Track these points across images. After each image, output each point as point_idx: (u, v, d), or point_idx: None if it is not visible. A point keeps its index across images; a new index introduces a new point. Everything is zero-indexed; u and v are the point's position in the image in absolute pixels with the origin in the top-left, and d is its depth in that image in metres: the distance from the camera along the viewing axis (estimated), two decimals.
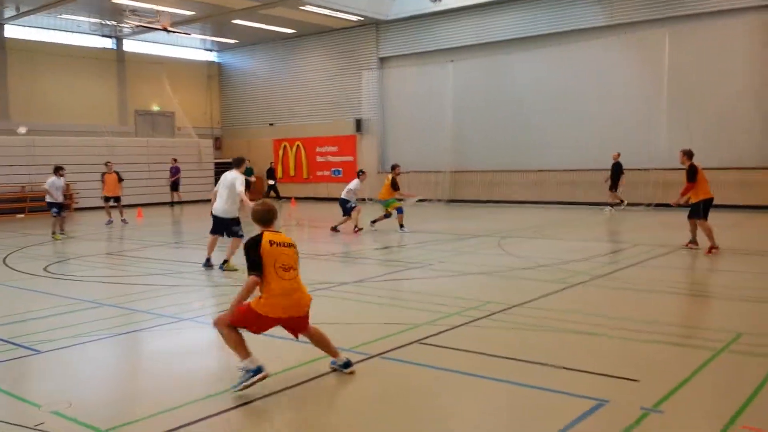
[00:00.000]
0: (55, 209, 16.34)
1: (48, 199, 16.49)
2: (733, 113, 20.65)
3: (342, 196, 16.57)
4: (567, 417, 4.56)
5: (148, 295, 9.34)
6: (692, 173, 11.99)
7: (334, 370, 5.65)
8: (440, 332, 6.87)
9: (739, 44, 20.64)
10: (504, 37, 24.83)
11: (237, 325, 5.32)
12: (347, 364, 5.63)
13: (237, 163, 11.00)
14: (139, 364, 6.57)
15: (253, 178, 28.37)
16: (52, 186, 16.35)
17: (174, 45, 32.12)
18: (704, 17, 21.03)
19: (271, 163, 30.76)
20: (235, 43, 32.20)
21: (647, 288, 9.28)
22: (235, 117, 34.06)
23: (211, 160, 31.76)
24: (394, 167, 17.57)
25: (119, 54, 30.59)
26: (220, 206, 10.80)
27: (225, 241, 11.24)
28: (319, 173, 30.65)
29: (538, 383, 5.30)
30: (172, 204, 28.18)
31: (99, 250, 15.15)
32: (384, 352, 6.22)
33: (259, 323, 5.36)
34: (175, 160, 28.20)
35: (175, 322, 7.65)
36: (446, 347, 6.38)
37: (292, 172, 31.48)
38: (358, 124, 28.80)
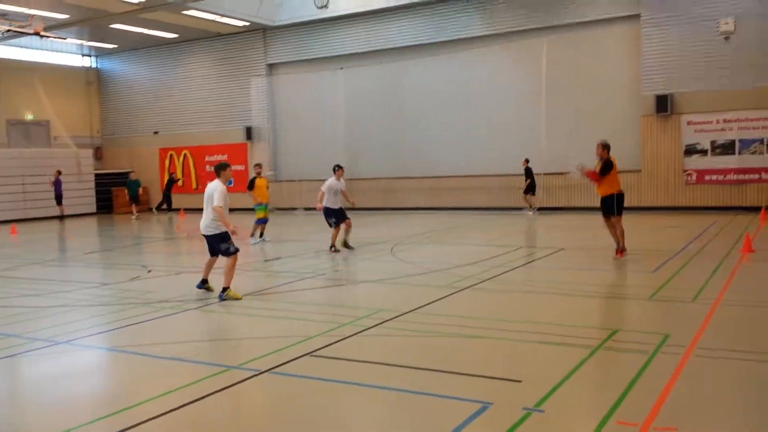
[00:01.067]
0: None
1: None
2: (607, 117, 21.90)
3: (325, 206, 13.82)
4: (454, 421, 4.66)
5: (22, 317, 8.76)
6: (608, 167, 11.46)
7: None
8: (331, 343, 6.86)
9: (611, 51, 21.95)
10: (393, 45, 25.19)
11: None
12: None
13: (218, 171, 9.59)
14: (15, 390, 6.14)
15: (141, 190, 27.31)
16: None
17: (49, 50, 30.35)
18: (579, 27, 22.23)
19: (172, 173, 29.16)
20: (115, 48, 30.84)
21: (530, 289, 9.67)
22: (117, 125, 32.61)
23: (91, 171, 30.22)
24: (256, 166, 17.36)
25: None
26: (203, 222, 9.48)
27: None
28: (208, 183, 29.83)
29: (425, 389, 5.38)
30: (61, 218, 26.51)
31: None
32: (274, 367, 6.13)
33: None
34: (59, 172, 26.63)
35: (51, 346, 7.21)
36: (337, 358, 6.37)
37: (180, 183, 30.51)
38: (249, 132, 28.32)
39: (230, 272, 9.24)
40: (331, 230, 13.88)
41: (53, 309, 9.24)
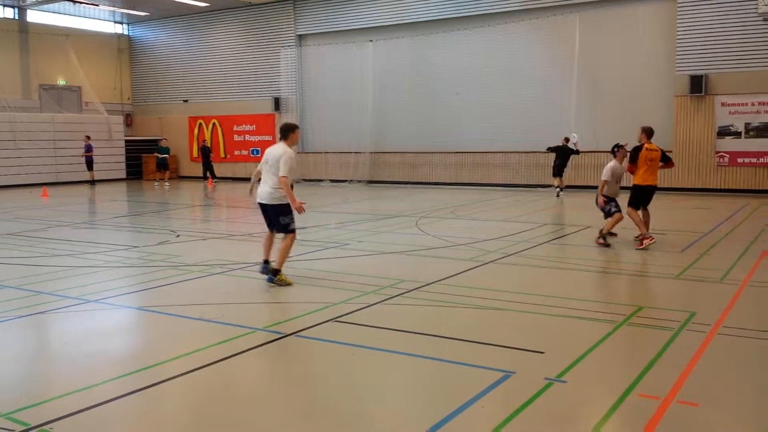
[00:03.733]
0: None
1: None
2: (639, 97, 21.56)
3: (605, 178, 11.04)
4: (475, 388, 4.70)
5: (52, 276, 8.96)
6: (633, 155, 10.80)
7: None
8: (356, 310, 6.92)
9: (644, 29, 21.53)
10: (423, 18, 24.95)
11: None
12: None
13: (284, 133, 8.21)
14: (44, 346, 6.31)
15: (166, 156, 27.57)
16: None
17: (81, 16, 30.58)
18: (612, 3, 21.82)
19: (204, 141, 29.38)
20: (146, 15, 30.96)
21: (555, 265, 9.63)
22: (147, 93, 32.86)
23: (121, 138, 30.58)
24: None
25: (22, 24, 28.88)
26: (265, 190, 8.14)
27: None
28: (236, 152, 30.05)
29: (448, 357, 5.43)
30: (92, 183, 26.85)
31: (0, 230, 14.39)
32: (299, 331, 6.21)
33: None
34: (89, 138, 26.97)
35: (80, 304, 7.38)
36: (362, 324, 6.43)
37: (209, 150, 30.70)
38: (277, 103, 28.36)
39: (286, 253, 8.11)
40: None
41: (83, 269, 9.43)
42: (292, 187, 8.18)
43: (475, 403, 4.49)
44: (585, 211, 14.62)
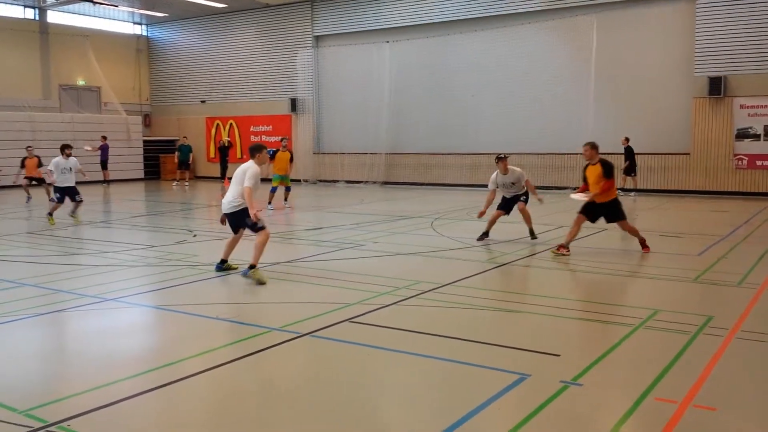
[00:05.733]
0: (56, 194, 14.58)
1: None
2: (657, 99, 21.40)
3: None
4: (491, 390, 4.70)
5: (71, 275, 9.06)
6: (611, 168, 10.19)
7: None
8: (371, 311, 6.94)
9: (663, 30, 21.38)
10: (441, 19, 24.93)
11: None
12: None
13: (252, 152, 9.00)
14: (62, 344, 6.39)
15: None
16: (55, 167, 14.45)
17: (100, 17, 30.88)
18: (630, 4, 21.69)
19: (228, 140, 29.29)
20: (165, 16, 31.20)
21: (571, 268, 9.59)
22: (166, 93, 33.10)
23: (140, 138, 30.84)
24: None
25: (42, 25, 29.21)
26: (226, 199, 8.88)
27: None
28: (243, 164, 30.12)
29: (463, 359, 5.42)
30: (107, 182, 27.06)
31: (19, 228, 14.56)
32: (315, 331, 6.23)
33: None
34: (105, 138, 27.22)
35: (98, 302, 7.45)
36: (377, 325, 6.44)
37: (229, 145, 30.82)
38: (293, 104, 28.47)
39: (260, 250, 8.48)
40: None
41: (101, 268, 9.52)
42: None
43: (490, 405, 4.49)
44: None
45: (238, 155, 30.28)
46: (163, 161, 31.27)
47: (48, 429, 4.14)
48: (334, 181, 27.07)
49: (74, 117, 28.57)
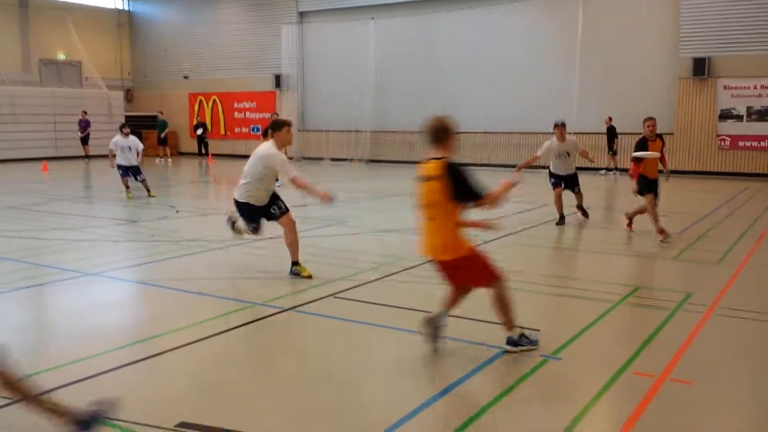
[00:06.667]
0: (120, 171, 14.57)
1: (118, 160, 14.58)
2: (642, 78, 21.45)
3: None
4: (472, 363, 4.74)
5: (53, 249, 8.99)
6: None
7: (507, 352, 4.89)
8: (354, 287, 6.95)
9: (649, 11, 21.37)
10: None
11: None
12: (514, 342, 4.88)
13: (271, 131, 7.37)
14: (43, 317, 6.36)
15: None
16: (115, 146, 14.53)
17: None
18: None
19: (198, 120, 29.28)
20: None
21: (554, 245, 9.66)
22: (148, 68, 32.66)
23: (121, 113, 30.44)
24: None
25: None
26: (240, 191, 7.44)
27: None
28: (237, 130, 29.97)
29: (447, 333, 5.45)
30: (87, 158, 26.70)
31: (2, 203, 14.40)
32: (298, 306, 6.24)
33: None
34: (85, 113, 26.86)
35: (80, 277, 7.41)
36: (360, 301, 6.46)
37: (209, 128, 30.62)
38: (278, 80, 28.22)
39: (292, 238, 7.39)
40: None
41: (84, 243, 9.46)
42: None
43: (470, 377, 4.53)
44: (585, 191, 14.55)
45: (222, 132, 30.08)
46: (146, 137, 30.87)
47: None
48: (319, 159, 26.95)
49: (55, 92, 28.16)
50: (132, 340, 5.35)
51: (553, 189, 11.25)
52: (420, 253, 5.08)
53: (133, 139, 14.72)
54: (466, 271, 4.87)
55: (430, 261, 5.08)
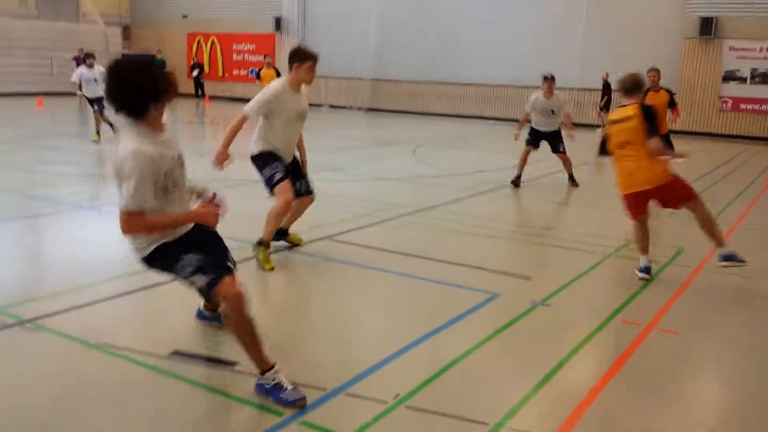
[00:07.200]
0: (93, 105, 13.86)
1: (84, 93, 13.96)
2: (647, 36, 21.17)
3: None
4: (463, 306, 4.81)
5: (48, 183, 8.96)
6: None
7: (724, 267, 5.66)
8: (350, 230, 6.99)
9: None
10: None
11: (627, 212, 5.86)
12: (729, 257, 5.62)
13: (289, 61, 5.73)
14: (37, 248, 6.38)
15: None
16: (81, 78, 13.76)
17: None
18: None
19: (195, 57, 28.90)
20: None
21: (549, 198, 9.68)
22: (146, 6, 32.00)
23: (119, 51, 29.97)
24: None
25: None
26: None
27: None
28: (235, 72, 29.58)
29: (439, 278, 5.52)
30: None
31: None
32: (293, 246, 6.27)
33: (629, 204, 5.80)
34: (82, 50, 26.39)
35: (73, 210, 7.42)
36: (355, 244, 6.50)
37: (207, 69, 30.21)
38: (278, 23, 27.74)
39: (274, 220, 5.73)
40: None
41: (78, 177, 9.43)
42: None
43: (461, 320, 4.60)
44: (585, 147, 14.50)
45: (220, 73, 29.70)
46: None
47: (23, 325, 4.19)
48: (318, 105, 26.70)
49: (52, 26, 27.66)
50: (126, 271, 5.37)
51: (525, 145, 10.46)
52: (634, 189, 5.65)
53: (99, 70, 13.83)
54: (680, 187, 5.74)
55: (644, 191, 5.62)
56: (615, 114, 5.75)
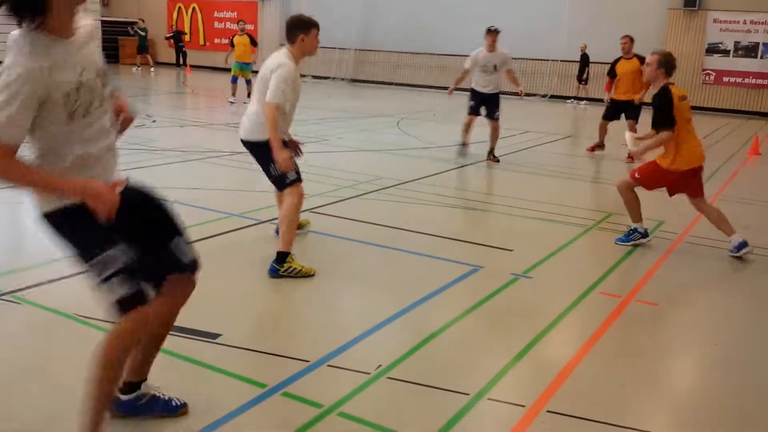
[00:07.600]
0: None
1: None
2: (632, 7, 21.11)
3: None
4: (445, 279, 4.83)
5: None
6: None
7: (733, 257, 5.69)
8: (332, 203, 6.97)
9: None
10: None
11: (639, 183, 6.00)
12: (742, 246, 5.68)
13: (290, 33, 5.21)
14: (16, 219, 6.30)
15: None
16: None
17: None
18: None
19: (174, 25, 28.40)
20: None
21: (532, 171, 9.70)
22: None
23: (97, 18, 29.40)
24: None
25: None
26: (244, 120, 5.24)
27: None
28: (216, 41, 29.14)
29: (420, 250, 5.53)
30: None
31: None
32: (275, 218, 6.24)
33: (659, 181, 5.97)
34: None
35: None
36: (337, 216, 6.49)
37: (187, 38, 29.72)
38: None
39: (291, 224, 4.96)
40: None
41: None
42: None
43: (443, 292, 4.62)
44: (567, 120, 14.62)
45: (201, 42, 29.24)
46: (122, 44, 29.99)
47: (1, 298, 4.15)
48: (302, 76, 26.41)
49: None
50: None
51: (467, 114, 10.25)
52: (692, 165, 5.88)
53: None
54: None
55: (694, 169, 5.89)
56: (680, 91, 6.00)
